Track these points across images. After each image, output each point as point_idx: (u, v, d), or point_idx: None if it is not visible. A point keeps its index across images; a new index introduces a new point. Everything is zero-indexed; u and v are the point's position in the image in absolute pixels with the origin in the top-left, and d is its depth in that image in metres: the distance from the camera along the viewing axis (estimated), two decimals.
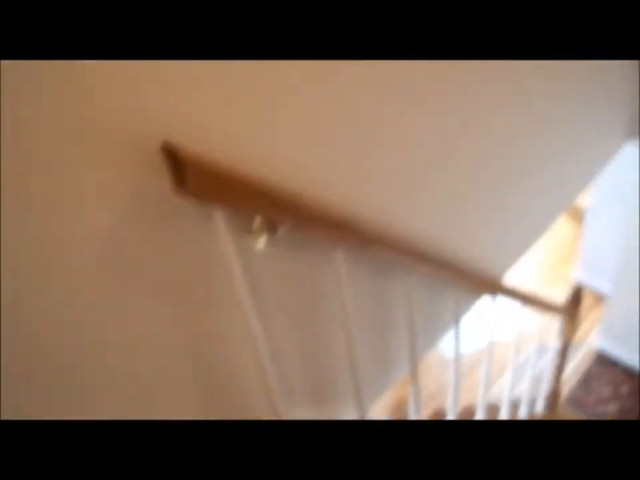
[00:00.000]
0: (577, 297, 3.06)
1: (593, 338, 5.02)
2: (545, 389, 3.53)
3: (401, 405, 4.33)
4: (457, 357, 2.14)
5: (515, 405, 3.44)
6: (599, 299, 5.31)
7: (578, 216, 5.87)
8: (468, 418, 2.78)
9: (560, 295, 5.23)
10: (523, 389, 3.35)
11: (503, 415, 3.04)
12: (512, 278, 5.21)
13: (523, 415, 3.43)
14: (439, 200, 1.69)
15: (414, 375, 1.87)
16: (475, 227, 1.98)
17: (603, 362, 4.89)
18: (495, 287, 2.23)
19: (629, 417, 4.47)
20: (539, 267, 5.68)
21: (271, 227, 1.14)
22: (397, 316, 1.80)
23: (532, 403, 3.59)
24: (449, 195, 1.73)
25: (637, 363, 4.79)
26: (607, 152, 2.82)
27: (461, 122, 1.58)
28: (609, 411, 4.55)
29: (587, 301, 5.23)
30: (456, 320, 2.04)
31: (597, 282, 5.38)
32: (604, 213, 4.83)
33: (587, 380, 4.77)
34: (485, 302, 2.34)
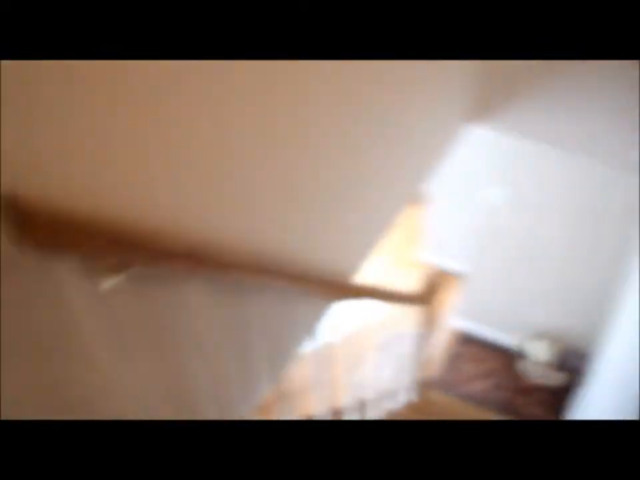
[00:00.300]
0: (432, 283, 3.15)
1: (454, 319, 5.26)
2: (412, 375, 3.59)
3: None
4: (318, 368, 2.10)
5: (385, 396, 3.47)
6: (450, 277, 5.53)
7: (421, 197, 6.02)
8: (338, 416, 2.78)
9: (410, 278, 5.40)
10: (389, 378, 3.37)
11: (371, 407, 3.11)
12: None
13: (392, 404, 3.48)
14: (284, 212, 1.66)
15: (277, 387, 1.83)
16: (323, 233, 1.96)
17: (467, 341, 5.15)
18: (350, 289, 2.24)
19: (502, 392, 4.77)
20: (387, 250, 5.76)
21: (120, 267, 1.11)
22: (258, 333, 1.80)
23: (401, 391, 3.65)
24: (294, 205, 1.70)
25: (500, 337, 5.10)
26: (447, 137, 2.89)
27: (295, 128, 1.57)
28: (481, 387, 4.80)
29: (440, 282, 5.44)
30: (311, 329, 2.06)
31: (446, 261, 5.60)
32: (447, 193, 5.00)
33: (453, 361, 5.00)
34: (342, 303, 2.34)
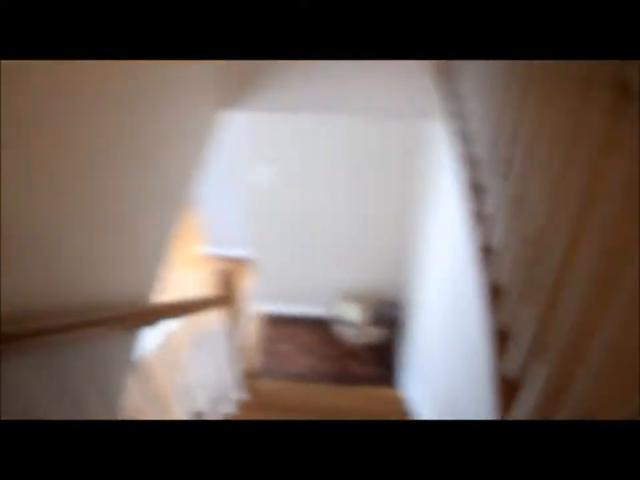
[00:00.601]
0: (225, 279, 3.08)
1: (257, 304, 5.18)
2: (235, 371, 3.52)
3: None
4: (142, 389, 1.99)
5: (217, 400, 3.38)
6: (242, 265, 5.45)
7: (193, 193, 5.89)
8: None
9: (204, 277, 5.19)
10: (214, 380, 3.30)
11: (208, 416, 2.99)
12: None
13: (228, 407, 3.38)
14: (55, 249, 1.46)
15: None
16: (107, 264, 1.79)
17: (278, 322, 5.10)
18: (153, 313, 2.15)
19: (327, 361, 4.78)
20: (175, 257, 5.50)
21: None
22: (85, 386, 1.62)
23: (230, 390, 3.56)
24: (76, 245, 1.53)
25: (310, 310, 5.12)
26: (205, 130, 2.83)
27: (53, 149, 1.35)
28: (306, 363, 4.76)
29: (231, 269, 5.35)
30: (130, 359, 1.94)
31: (233, 250, 5.54)
32: (217, 182, 4.95)
33: (270, 346, 4.91)
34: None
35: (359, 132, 4.02)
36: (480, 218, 1.80)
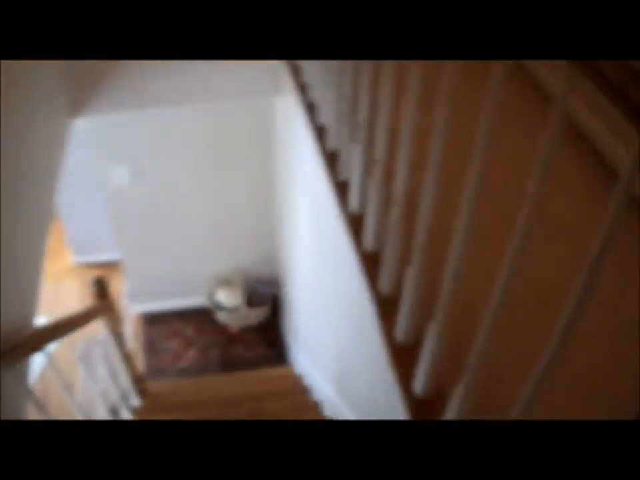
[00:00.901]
0: (101, 289, 2.99)
1: (133, 305, 5.02)
2: (125, 378, 3.41)
3: None
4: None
5: (114, 409, 3.28)
6: (110, 266, 5.28)
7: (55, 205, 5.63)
8: None
9: (76, 286, 5.15)
10: (108, 390, 3.21)
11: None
12: None
13: (123, 417, 3.29)
14: None
15: None
16: None
17: (157, 321, 4.96)
18: (35, 339, 2.03)
19: (215, 350, 4.71)
20: (47, 273, 5.28)
21: None
22: None
23: (124, 397, 3.45)
24: None
25: (188, 302, 5.02)
26: (59, 139, 2.79)
27: None
28: (194, 356, 4.68)
29: (103, 276, 5.16)
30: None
31: (98, 256, 5.34)
32: (73, 192, 4.70)
33: (154, 345, 4.79)
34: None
35: (213, 118, 3.98)
36: (341, 186, 1.80)
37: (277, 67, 2.99)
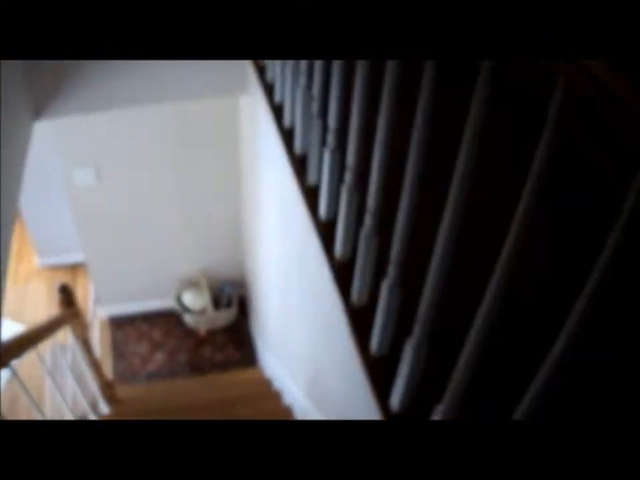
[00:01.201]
0: (67, 296, 2.93)
1: (99, 308, 4.93)
2: (93, 384, 3.35)
3: None
4: None
5: (85, 416, 3.23)
6: (76, 268, 5.21)
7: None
8: None
9: (42, 289, 5.05)
10: (77, 397, 3.16)
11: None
12: None
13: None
14: None
15: None
16: None
17: (123, 324, 4.87)
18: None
19: (183, 354, 4.65)
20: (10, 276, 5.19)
21: None
22: None
23: (95, 406, 3.38)
24: None
25: (154, 304, 4.94)
26: (23, 141, 2.75)
27: None
28: (162, 360, 4.61)
29: (65, 278, 5.08)
30: None
31: (64, 257, 5.25)
32: (36, 194, 4.60)
33: (120, 350, 4.71)
34: None
35: (177, 117, 3.90)
36: (311, 192, 1.77)
37: (243, 65, 2.95)
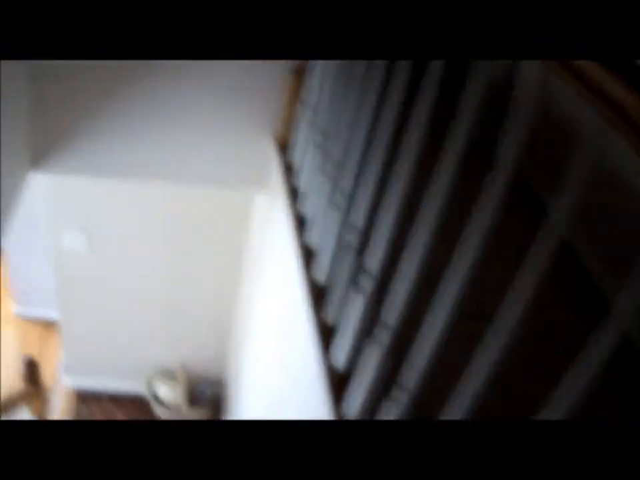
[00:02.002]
0: (32, 371, 2.81)
1: (65, 377, 4.76)
2: None
3: None
4: None
5: None
6: (52, 325, 5.07)
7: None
8: None
9: (6, 334, 4.97)
10: None
11: None
12: None
13: None
14: None
15: None
16: None
17: (89, 399, 4.69)
18: None
19: None
20: None
21: None
22: None
23: None
24: None
25: (126, 386, 4.76)
26: (16, 189, 2.74)
27: None
28: None
29: (38, 333, 5.09)
30: None
31: (41, 311, 5.16)
32: (23, 242, 4.60)
33: None
34: None
35: (182, 198, 3.85)
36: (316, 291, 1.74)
37: (265, 161, 2.93)
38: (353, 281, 1.48)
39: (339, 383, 1.48)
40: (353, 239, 1.51)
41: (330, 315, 1.63)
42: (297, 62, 2.47)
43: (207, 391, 4.66)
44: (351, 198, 1.60)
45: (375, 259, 1.35)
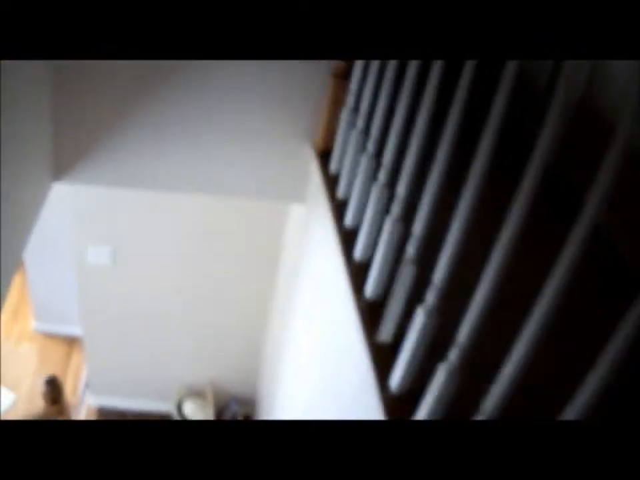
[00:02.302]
0: (54, 390, 2.77)
1: (87, 396, 4.72)
2: None
3: None
4: None
5: None
6: (74, 342, 5.10)
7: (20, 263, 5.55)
8: None
9: (30, 351, 5.01)
10: None
11: None
12: None
13: None
14: None
15: None
16: None
17: (108, 418, 4.65)
18: None
19: None
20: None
21: None
22: None
23: None
24: None
25: (150, 405, 4.71)
26: (38, 199, 2.69)
27: None
28: None
29: (60, 350, 5.07)
30: None
31: (62, 327, 5.18)
32: (42, 256, 4.62)
33: None
34: None
35: (215, 212, 3.78)
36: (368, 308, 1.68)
37: (304, 171, 2.85)
38: (415, 296, 1.41)
39: (395, 402, 1.41)
40: (413, 250, 1.44)
41: (384, 335, 1.55)
42: (337, 64, 2.40)
43: (237, 410, 4.59)
44: (409, 206, 1.54)
45: (439, 272, 1.27)
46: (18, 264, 2.51)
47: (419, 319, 1.34)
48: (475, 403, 1.11)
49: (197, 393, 4.57)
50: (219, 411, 4.56)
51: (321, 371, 2.45)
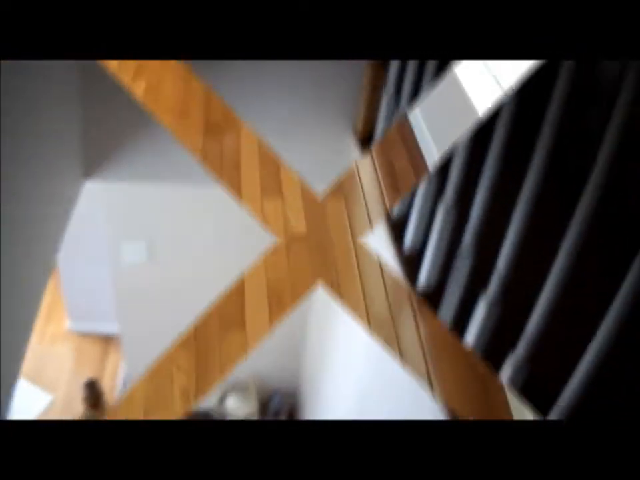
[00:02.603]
0: (95, 394, 2.84)
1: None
2: None
3: None
4: None
5: None
6: (109, 340, 5.16)
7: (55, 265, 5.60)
8: None
9: (66, 352, 5.07)
10: None
11: None
12: None
13: None
14: None
15: None
16: None
17: None
18: None
19: None
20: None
21: None
22: None
23: None
24: None
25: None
26: (69, 198, 2.73)
27: None
28: None
29: (96, 349, 5.14)
30: None
31: (97, 325, 5.23)
32: (75, 254, 4.65)
33: None
34: None
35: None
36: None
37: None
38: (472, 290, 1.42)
39: None
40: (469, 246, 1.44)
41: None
42: None
43: (280, 403, 4.63)
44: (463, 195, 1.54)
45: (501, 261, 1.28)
46: (53, 265, 2.58)
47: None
48: None
49: (239, 387, 4.61)
50: (263, 404, 4.60)
51: (375, 364, 2.47)
